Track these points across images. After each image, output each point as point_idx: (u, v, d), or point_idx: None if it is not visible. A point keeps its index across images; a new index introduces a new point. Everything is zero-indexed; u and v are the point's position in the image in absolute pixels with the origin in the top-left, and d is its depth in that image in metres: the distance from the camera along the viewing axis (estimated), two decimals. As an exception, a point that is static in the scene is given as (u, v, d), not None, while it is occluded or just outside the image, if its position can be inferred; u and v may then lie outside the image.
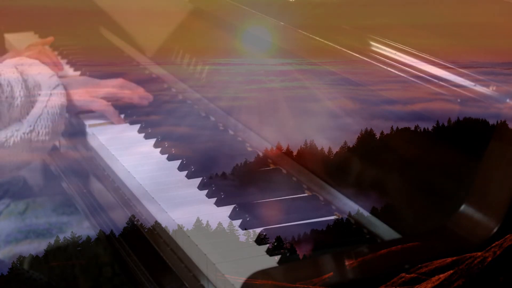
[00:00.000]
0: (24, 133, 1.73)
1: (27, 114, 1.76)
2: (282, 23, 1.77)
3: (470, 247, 1.21)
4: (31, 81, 1.79)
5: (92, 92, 1.92)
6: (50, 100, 1.79)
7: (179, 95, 2.07)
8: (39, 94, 1.79)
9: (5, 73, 1.77)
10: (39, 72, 1.84)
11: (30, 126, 1.74)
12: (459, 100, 1.33)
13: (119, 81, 1.98)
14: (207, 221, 1.42)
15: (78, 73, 2.24)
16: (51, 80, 1.83)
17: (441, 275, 1.16)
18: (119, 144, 1.81)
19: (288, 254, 1.30)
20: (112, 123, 1.92)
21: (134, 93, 1.96)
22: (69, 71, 2.29)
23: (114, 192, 1.71)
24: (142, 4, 2.27)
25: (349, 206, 1.45)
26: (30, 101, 1.77)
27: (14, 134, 1.73)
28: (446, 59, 1.41)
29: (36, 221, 1.98)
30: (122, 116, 1.96)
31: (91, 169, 1.84)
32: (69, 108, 1.87)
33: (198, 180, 1.60)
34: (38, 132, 1.75)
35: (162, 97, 2.05)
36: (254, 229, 1.40)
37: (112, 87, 1.96)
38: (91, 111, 1.94)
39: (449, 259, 1.18)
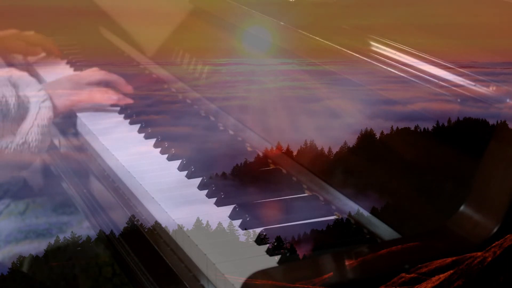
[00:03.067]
0: (17, 145, 1.80)
1: (19, 127, 1.82)
2: (282, 23, 1.76)
3: (470, 247, 1.21)
4: (21, 95, 1.84)
5: (77, 92, 1.97)
6: (39, 113, 1.83)
7: (179, 95, 2.07)
8: (29, 107, 1.83)
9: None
10: (28, 85, 1.88)
11: (22, 138, 1.81)
12: (459, 100, 1.33)
13: (101, 74, 2.04)
14: (207, 221, 1.42)
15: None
16: (39, 94, 1.87)
17: (441, 275, 1.16)
18: (119, 144, 1.81)
19: (288, 254, 1.30)
20: (112, 123, 1.92)
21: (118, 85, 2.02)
22: (69, 71, 2.29)
23: (114, 192, 1.71)
24: (142, 4, 2.27)
25: (349, 206, 1.45)
26: (21, 114, 1.82)
27: (8, 145, 1.79)
28: (446, 59, 1.41)
29: (36, 221, 1.98)
30: (122, 116, 1.96)
31: (91, 169, 1.84)
32: (61, 113, 1.93)
33: (198, 180, 1.60)
34: (29, 145, 1.81)
35: (162, 97, 2.05)
36: (254, 229, 1.40)
37: (96, 80, 2.01)
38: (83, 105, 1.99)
39: (449, 259, 1.18)
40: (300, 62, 1.69)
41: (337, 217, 1.46)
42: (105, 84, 2.02)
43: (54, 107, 1.89)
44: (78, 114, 1.97)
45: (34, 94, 1.87)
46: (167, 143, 1.76)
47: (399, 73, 1.44)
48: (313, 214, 1.47)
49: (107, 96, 2.00)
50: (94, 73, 2.05)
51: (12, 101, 1.82)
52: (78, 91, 1.97)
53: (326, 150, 1.54)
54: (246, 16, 1.88)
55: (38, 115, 1.83)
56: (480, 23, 1.64)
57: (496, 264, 1.14)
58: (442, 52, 1.45)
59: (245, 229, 1.41)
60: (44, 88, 1.89)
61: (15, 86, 1.86)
